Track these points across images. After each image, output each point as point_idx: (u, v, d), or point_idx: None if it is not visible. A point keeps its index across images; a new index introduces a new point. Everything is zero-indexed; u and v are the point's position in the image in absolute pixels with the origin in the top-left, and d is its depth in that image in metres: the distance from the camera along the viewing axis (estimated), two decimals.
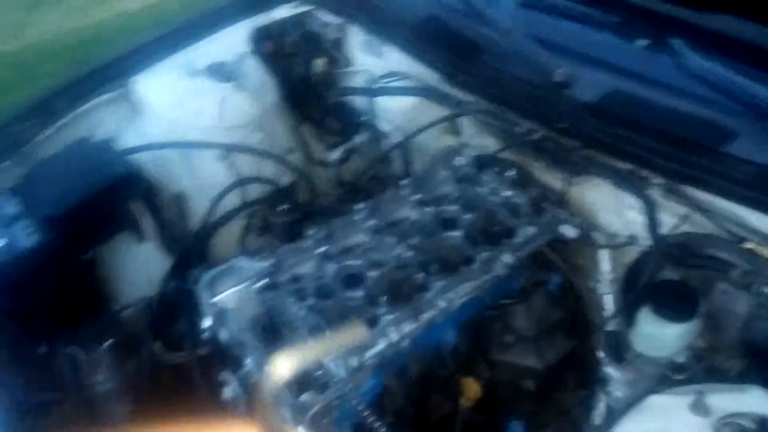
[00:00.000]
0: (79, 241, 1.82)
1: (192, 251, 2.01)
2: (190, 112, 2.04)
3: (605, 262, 1.65)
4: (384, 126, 2.17)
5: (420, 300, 1.47)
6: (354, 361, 1.35)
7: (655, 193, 1.52)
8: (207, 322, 1.50)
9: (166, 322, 1.87)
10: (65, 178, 1.83)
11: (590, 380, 1.70)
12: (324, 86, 2.26)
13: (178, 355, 1.80)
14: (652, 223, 1.46)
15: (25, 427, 1.48)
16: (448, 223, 1.66)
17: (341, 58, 2.29)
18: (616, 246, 1.64)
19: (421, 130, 1.95)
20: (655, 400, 1.23)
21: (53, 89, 2.01)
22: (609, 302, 1.64)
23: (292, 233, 2.07)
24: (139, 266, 2.01)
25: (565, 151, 1.62)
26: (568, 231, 1.63)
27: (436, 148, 2.04)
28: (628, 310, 1.50)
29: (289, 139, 2.26)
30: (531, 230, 1.63)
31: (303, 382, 1.32)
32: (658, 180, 1.51)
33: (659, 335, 1.34)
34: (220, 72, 2.10)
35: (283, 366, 1.24)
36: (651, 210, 1.47)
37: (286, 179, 2.21)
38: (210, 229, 2.05)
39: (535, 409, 1.83)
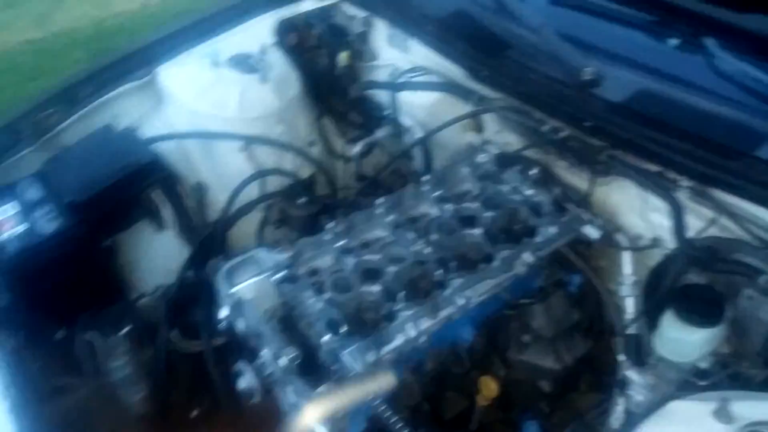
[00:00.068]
0: (99, 228, 1.83)
1: (210, 241, 2.01)
2: (212, 103, 2.04)
3: (627, 264, 1.63)
4: (406, 121, 2.16)
5: (438, 297, 1.45)
6: (370, 357, 1.33)
7: (682, 196, 1.49)
8: (224, 312, 1.50)
9: (183, 311, 1.87)
10: (88, 165, 1.84)
11: (607, 383, 1.69)
12: (347, 79, 2.24)
13: (194, 344, 1.80)
14: (679, 226, 1.43)
15: (42, 411, 1.49)
16: (469, 221, 1.64)
17: (366, 52, 2.28)
18: (639, 248, 1.62)
19: (443, 126, 1.94)
20: (678, 406, 1.20)
21: (78, 77, 2.02)
22: (630, 305, 1.61)
23: (310, 226, 2.07)
24: (158, 255, 2.02)
25: (591, 151, 1.60)
26: (591, 232, 1.61)
27: (457, 144, 2.02)
28: (650, 314, 1.48)
29: (310, 132, 2.25)
30: (552, 230, 1.61)
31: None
32: (685, 182, 1.48)
33: (683, 340, 1.31)
34: (244, 63, 2.10)
35: (311, 415, 1.24)
36: (678, 213, 1.44)
37: (305, 172, 2.21)
38: (229, 219, 2.05)
39: (550, 410, 1.82)
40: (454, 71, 1.94)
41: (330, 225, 1.63)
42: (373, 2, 2.21)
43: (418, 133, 2.12)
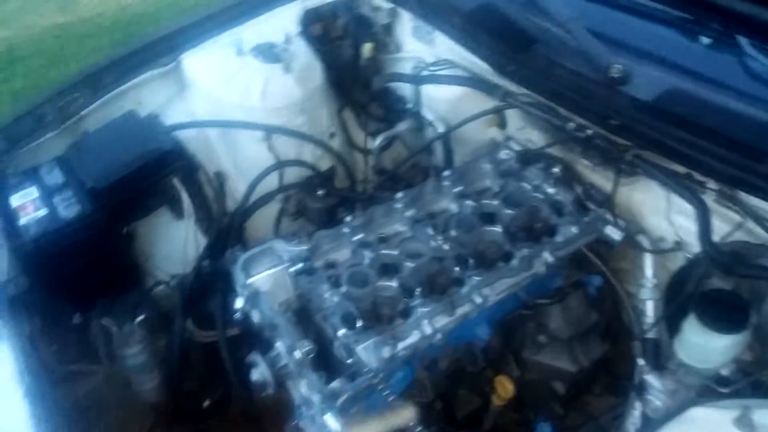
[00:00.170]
0: (119, 215, 1.84)
1: (228, 231, 2.01)
2: (235, 92, 2.04)
3: (649, 267, 1.61)
4: (428, 115, 2.14)
5: (455, 294, 1.44)
6: (386, 352, 1.32)
7: (709, 198, 1.45)
8: (240, 303, 1.50)
9: (198, 300, 1.87)
10: (110, 151, 1.84)
11: (623, 387, 1.66)
12: (370, 71, 2.23)
13: (208, 334, 1.80)
14: (705, 229, 1.39)
15: (55, 396, 1.50)
16: (488, 218, 1.62)
17: (390, 44, 2.26)
18: (662, 251, 1.59)
19: (466, 121, 1.92)
20: (698, 413, 1.18)
21: (103, 63, 2.02)
22: (650, 308, 1.58)
23: (328, 219, 2.07)
24: (176, 243, 2.02)
25: (617, 150, 1.56)
26: (613, 233, 1.59)
27: (479, 140, 2.00)
28: (671, 318, 1.45)
29: (331, 124, 2.24)
30: (574, 230, 1.58)
31: None
32: (713, 184, 1.45)
33: (705, 346, 1.29)
34: (268, 52, 2.09)
35: None
36: (704, 215, 1.41)
37: (325, 164, 2.20)
38: (247, 210, 2.05)
39: (563, 412, 1.80)
40: (479, 65, 1.91)
41: (348, 218, 1.62)
42: None
43: (440, 128, 2.10)
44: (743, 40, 1.58)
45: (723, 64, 1.61)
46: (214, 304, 1.76)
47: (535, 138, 1.86)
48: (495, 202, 1.65)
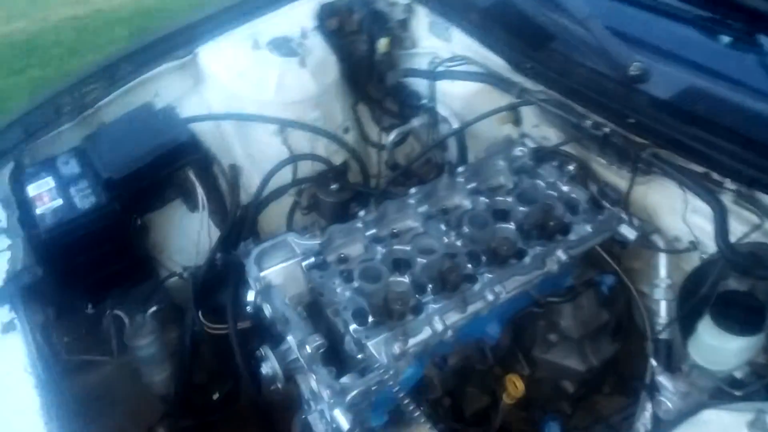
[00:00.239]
0: (134, 206, 1.85)
1: (241, 224, 2.01)
2: (250, 85, 2.04)
3: (663, 267, 1.59)
4: (443, 111, 2.13)
5: (467, 291, 1.43)
6: (396, 348, 1.32)
7: (727, 199, 1.43)
8: (252, 296, 1.50)
9: (210, 292, 1.88)
10: (127, 142, 1.85)
11: (632, 387, 1.65)
12: (386, 66, 2.22)
13: (219, 327, 1.81)
14: (722, 230, 1.38)
15: (66, 386, 1.51)
16: (502, 215, 1.61)
17: (406, 39, 2.25)
18: (677, 251, 1.58)
19: (481, 117, 1.90)
20: (710, 415, 1.17)
21: (119, 55, 2.03)
22: (664, 309, 1.57)
23: (340, 213, 2.07)
24: (189, 235, 2.03)
25: (634, 149, 1.55)
26: (627, 232, 1.57)
27: (494, 136, 1.99)
28: (686, 319, 1.44)
29: (345, 119, 2.24)
30: (587, 228, 1.57)
31: None
32: (730, 185, 1.43)
33: (720, 348, 1.27)
34: (284, 46, 2.09)
35: None
36: (722, 216, 1.39)
37: (339, 158, 2.20)
38: (260, 203, 2.05)
39: (571, 411, 1.79)
40: (496, 62, 1.90)
41: (361, 213, 1.61)
42: None
43: (454, 124, 2.09)
44: (764, 39, 1.55)
45: (742, 63, 1.59)
46: (226, 297, 1.76)
47: (550, 135, 1.85)
48: (509, 199, 1.64)
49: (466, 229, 1.56)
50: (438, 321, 1.37)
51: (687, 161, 1.49)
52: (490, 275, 1.46)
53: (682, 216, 1.52)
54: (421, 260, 1.48)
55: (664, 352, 1.50)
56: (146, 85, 2.04)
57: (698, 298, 1.41)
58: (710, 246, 1.48)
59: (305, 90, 2.07)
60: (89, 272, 1.77)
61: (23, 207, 1.72)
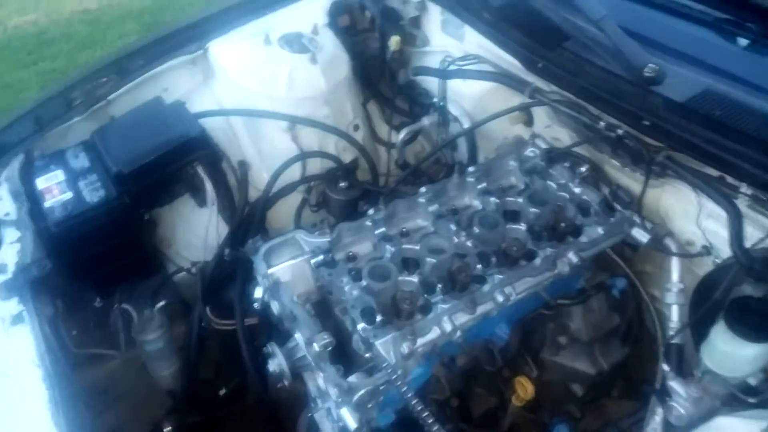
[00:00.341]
0: (143, 201, 1.84)
1: (250, 220, 2.01)
2: (261, 81, 2.04)
3: (676, 271, 1.57)
4: (454, 110, 2.12)
5: (477, 291, 1.42)
6: (405, 348, 1.31)
7: (742, 203, 1.42)
8: (259, 292, 1.49)
9: (218, 288, 1.87)
10: (136, 136, 1.85)
11: (642, 391, 1.64)
12: (397, 64, 2.21)
13: (226, 323, 1.80)
14: (736, 235, 1.36)
15: (74, 379, 1.51)
16: (512, 215, 1.60)
17: (418, 37, 2.24)
18: (689, 255, 1.56)
19: (493, 117, 1.89)
20: (723, 422, 1.16)
21: (130, 49, 2.03)
22: (675, 313, 1.55)
23: (349, 211, 2.06)
24: (197, 230, 2.03)
25: (648, 151, 1.53)
26: (640, 235, 1.56)
27: (505, 136, 1.98)
28: (698, 324, 1.42)
29: (355, 116, 2.23)
30: (599, 231, 1.56)
31: None
32: (746, 189, 1.41)
33: (733, 354, 1.26)
34: (296, 42, 2.09)
35: None
36: (736, 220, 1.37)
37: (348, 156, 2.20)
38: (269, 199, 2.05)
39: (580, 415, 1.78)
40: (508, 61, 1.89)
41: (371, 211, 1.60)
42: None
43: (465, 123, 2.08)
44: None
45: (760, 66, 1.57)
46: (234, 293, 1.76)
47: (562, 136, 1.84)
48: (519, 200, 1.63)
49: (476, 230, 1.54)
50: (447, 321, 1.36)
51: (702, 164, 1.48)
52: (500, 276, 1.45)
53: (695, 220, 1.51)
54: (431, 260, 1.47)
55: (675, 356, 1.48)
56: (156, 80, 2.04)
57: (711, 303, 1.39)
58: (724, 251, 1.46)
59: (316, 87, 2.06)
60: (98, 266, 1.77)
61: (32, 199, 1.72)
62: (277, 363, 1.40)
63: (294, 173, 2.10)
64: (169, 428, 1.78)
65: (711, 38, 1.73)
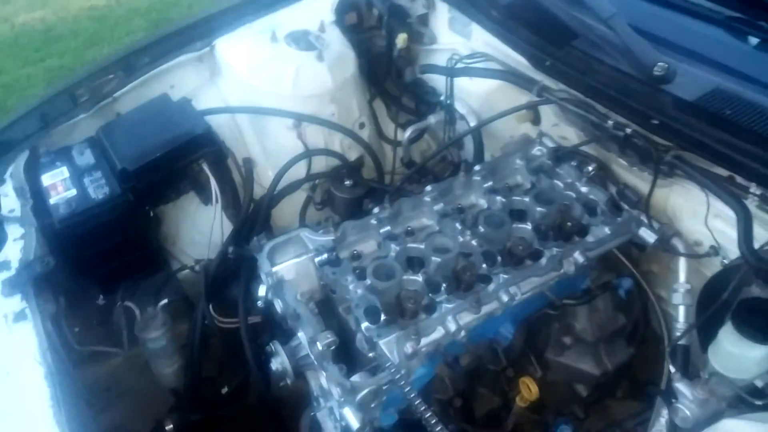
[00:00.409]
0: (147, 198, 1.84)
1: (255, 218, 2.00)
2: (268, 78, 2.03)
3: (683, 271, 1.56)
4: (460, 108, 2.10)
5: (482, 291, 1.41)
6: (409, 347, 1.30)
7: (751, 204, 1.40)
8: (263, 291, 1.49)
9: (222, 286, 1.87)
10: (142, 133, 1.85)
11: (646, 392, 1.63)
12: (404, 62, 2.20)
13: (229, 321, 1.80)
14: (746, 236, 1.34)
15: (76, 376, 1.50)
16: (518, 215, 1.59)
17: (425, 35, 2.23)
18: (697, 256, 1.54)
19: (500, 115, 1.88)
20: (730, 424, 1.15)
21: (137, 46, 2.03)
22: (682, 314, 1.53)
23: (354, 209, 2.05)
24: (202, 228, 2.02)
25: (656, 150, 1.52)
26: (647, 235, 1.55)
27: (511, 135, 1.97)
28: (705, 326, 1.41)
29: (361, 114, 2.22)
30: (606, 230, 1.55)
31: None
32: (755, 189, 1.39)
33: (741, 356, 1.24)
34: (302, 40, 2.08)
35: None
36: (746, 221, 1.35)
37: (353, 154, 2.19)
38: (274, 197, 2.04)
39: (584, 415, 1.77)
40: (516, 59, 1.87)
41: (376, 210, 1.59)
42: None
43: (472, 122, 2.06)
44: None
45: None
46: (237, 291, 1.75)
47: (569, 135, 1.82)
48: (526, 199, 1.61)
49: (481, 229, 1.53)
50: (451, 321, 1.35)
51: (711, 164, 1.46)
52: (505, 276, 1.44)
53: (703, 220, 1.49)
54: (436, 259, 1.46)
55: (681, 358, 1.47)
56: (163, 77, 2.04)
57: (719, 304, 1.37)
58: (732, 251, 1.45)
59: (322, 84, 2.05)
60: (101, 263, 1.77)
61: (37, 196, 1.72)
62: (279, 362, 1.39)
63: (299, 171, 2.09)
64: (171, 426, 1.78)
65: (721, 36, 1.71)
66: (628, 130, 1.56)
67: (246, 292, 1.73)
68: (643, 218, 1.57)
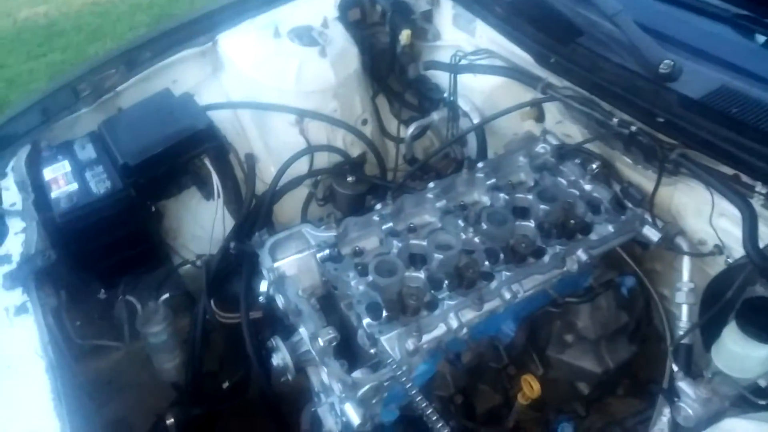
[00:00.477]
0: (149, 193, 1.84)
1: (256, 213, 2.00)
2: (270, 74, 2.03)
3: (686, 270, 1.55)
4: (464, 105, 2.10)
5: (484, 288, 1.40)
6: (410, 344, 1.30)
7: (756, 202, 1.39)
8: (265, 286, 1.48)
9: (223, 281, 1.87)
10: (144, 128, 1.85)
11: (647, 391, 1.63)
12: (407, 59, 2.19)
13: (230, 316, 1.79)
14: (751, 235, 1.34)
15: (77, 370, 1.50)
16: (522, 212, 1.58)
17: (429, 31, 2.22)
18: (701, 255, 1.54)
19: (504, 112, 1.87)
20: (732, 424, 1.14)
21: (139, 40, 2.02)
22: (685, 313, 1.53)
23: (356, 205, 2.05)
24: (203, 223, 2.02)
25: (661, 148, 1.51)
26: (651, 234, 1.54)
27: (515, 132, 1.96)
28: (709, 325, 1.40)
29: (364, 110, 2.21)
30: (609, 228, 1.54)
31: None
32: (761, 188, 1.38)
33: (745, 355, 1.24)
34: (305, 36, 2.08)
35: None
36: (751, 220, 1.35)
37: (356, 150, 2.18)
38: (276, 193, 2.04)
39: (585, 413, 1.77)
40: (520, 56, 1.86)
41: (378, 206, 1.59)
42: None
43: (475, 119, 2.06)
44: None
45: None
46: (239, 286, 1.75)
47: (573, 133, 1.82)
48: (529, 197, 1.60)
49: (484, 226, 1.52)
50: (453, 318, 1.35)
51: (717, 163, 1.45)
52: (507, 273, 1.43)
53: (708, 219, 1.48)
54: (438, 256, 1.45)
55: (684, 357, 1.46)
56: (165, 72, 2.03)
57: (723, 303, 1.37)
58: (736, 250, 1.44)
59: (325, 80, 2.05)
60: (103, 257, 1.76)
61: (39, 190, 1.72)
62: (281, 357, 1.39)
63: (301, 167, 2.09)
64: (172, 420, 1.78)
65: (728, 34, 1.70)
66: (633, 128, 1.55)
67: (247, 288, 1.72)
68: (647, 216, 1.56)
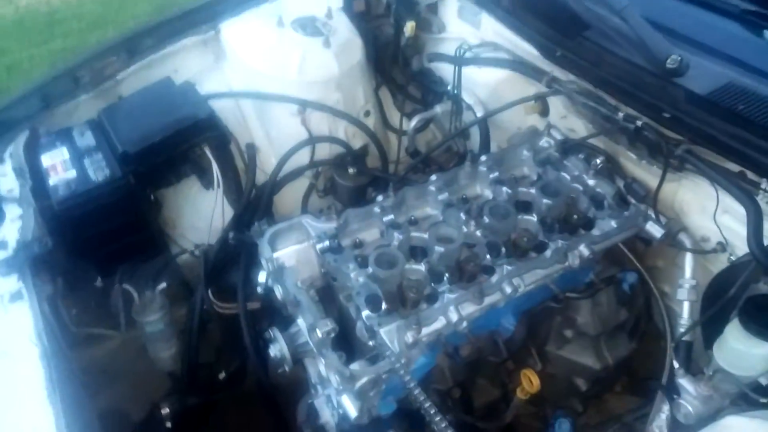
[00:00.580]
0: (148, 181, 1.83)
1: (256, 204, 1.99)
2: (273, 63, 2.01)
3: (689, 267, 1.54)
4: (468, 98, 2.08)
5: (485, 282, 1.39)
6: (409, 337, 1.28)
7: (762, 200, 1.38)
8: (263, 277, 1.47)
9: (221, 271, 1.86)
10: (144, 116, 1.83)
11: (645, 388, 1.62)
12: (411, 51, 2.18)
13: (227, 306, 1.78)
14: (756, 232, 1.32)
15: (72, 358, 1.49)
16: (524, 206, 1.57)
17: (433, 24, 2.21)
18: (704, 251, 1.53)
19: (508, 106, 1.86)
20: (733, 421, 1.13)
21: (141, 28, 2.00)
22: (687, 310, 1.52)
23: (357, 197, 2.03)
24: (203, 212, 2.01)
25: (667, 144, 1.49)
26: (654, 230, 1.53)
27: (519, 126, 1.94)
28: (710, 322, 1.39)
29: (367, 102, 2.20)
30: (612, 224, 1.53)
31: None
32: (766, 185, 1.37)
33: (747, 353, 1.22)
34: (309, 26, 2.06)
35: None
36: (756, 217, 1.33)
37: (358, 142, 2.17)
38: (276, 183, 2.03)
39: (582, 409, 1.76)
40: (525, 50, 1.85)
41: (379, 198, 1.57)
42: None
43: (479, 112, 2.04)
44: None
45: None
46: (237, 277, 1.74)
47: (578, 127, 1.80)
48: (532, 191, 1.59)
49: (486, 219, 1.51)
50: (453, 311, 1.33)
51: (722, 159, 1.44)
52: (509, 267, 1.42)
53: (712, 216, 1.47)
54: (439, 249, 1.44)
55: (685, 354, 1.45)
56: (167, 60, 2.02)
57: (725, 300, 1.36)
58: (740, 248, 1.43)
59: (328, 71, 2.03)
60: (100, 245, 1.75)
61: (36, 177, 1.70)
62: (278, 348, 1.38)
63: (302, 158, 2.08)
64: (168, 410, 1.77)
65: (736, 30, 1.69)
66: (639, 123, 1.54)
67: (246, 278, 1.71)
68: (651, 212, 1.55)
